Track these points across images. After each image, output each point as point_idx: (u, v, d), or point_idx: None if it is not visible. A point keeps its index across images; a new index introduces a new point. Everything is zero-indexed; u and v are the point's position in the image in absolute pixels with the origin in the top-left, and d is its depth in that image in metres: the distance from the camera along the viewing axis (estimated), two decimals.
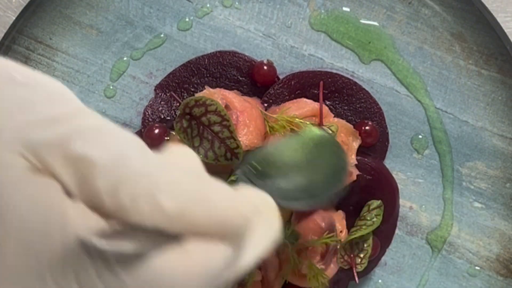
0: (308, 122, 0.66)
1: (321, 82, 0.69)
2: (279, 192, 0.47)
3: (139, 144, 0.36)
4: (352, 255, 0.69)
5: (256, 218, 0.39)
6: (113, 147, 0.35)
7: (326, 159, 0.52)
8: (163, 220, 0.34)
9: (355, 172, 0.68)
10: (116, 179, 0.34)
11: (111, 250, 0.33)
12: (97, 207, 0.34)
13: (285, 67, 0.72)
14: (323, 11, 0.72)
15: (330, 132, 0.66)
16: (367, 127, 0.70)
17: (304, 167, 0.50)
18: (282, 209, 0.65)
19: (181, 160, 0.40)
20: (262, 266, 0.67)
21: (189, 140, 0.65)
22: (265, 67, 0.70)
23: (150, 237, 0.34)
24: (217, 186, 0.37)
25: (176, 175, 0.35)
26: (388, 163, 0.72)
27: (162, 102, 0.71)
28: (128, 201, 0.34)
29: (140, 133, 0.71)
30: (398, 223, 0.73)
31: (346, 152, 0.51)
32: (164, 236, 0.35)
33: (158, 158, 0.36)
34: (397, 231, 0.73)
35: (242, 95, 0.70)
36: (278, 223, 0.42)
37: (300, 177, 0.49)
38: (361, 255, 0.69)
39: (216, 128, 0.64)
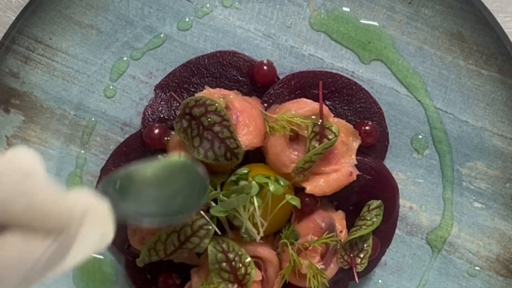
0: (309, 121, 0.66)
1: (321, 82, 0.69)
2: (135, 208, 0.49)
3: None
4: (352, 255, 0.68)
5: (86, 219, 0.40)
6: None
7: (184, 184, 0.54)
8: None
9: (355, 172, 0.68)
10: None
11: None
12: None
13: (285, 67, 0.72)
14: (323, 11, 0.72)
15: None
16: (367, 127, 0.70)
17: (161, 189, 0.52)
18: (282, 208, 0.65)
19: (18, 158, 0.40)
20: (262, 266, 0.67)
21: (189, 140, 0.65)
22: (265, 67, 0.70)
23: None
24: (46, 184, 0.38)
25: (1, 168, 0.36)
26: (388, 163, 0.72)
27: (162, 102, 0.71)
28: None
29: (140, 133, 0.71)
30: (398, 223, 0.73)
31: (206, 179, 0.56)
32: None
33: None
34: (397, 231, 0.73)
35: (242, 95, 0.70)
36: (109, 226, 0.43)
37: (156, 197, 0.52)
38: (361, 255, 0.69)
39: (216, 128, 0.64)
